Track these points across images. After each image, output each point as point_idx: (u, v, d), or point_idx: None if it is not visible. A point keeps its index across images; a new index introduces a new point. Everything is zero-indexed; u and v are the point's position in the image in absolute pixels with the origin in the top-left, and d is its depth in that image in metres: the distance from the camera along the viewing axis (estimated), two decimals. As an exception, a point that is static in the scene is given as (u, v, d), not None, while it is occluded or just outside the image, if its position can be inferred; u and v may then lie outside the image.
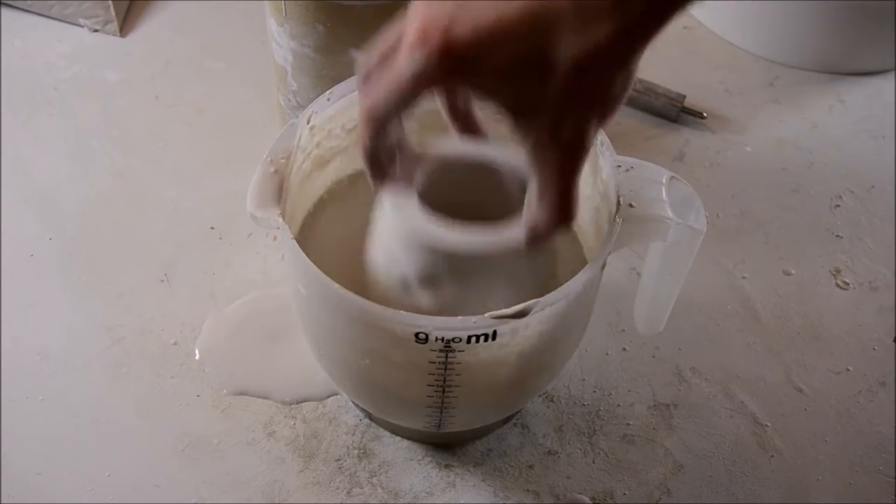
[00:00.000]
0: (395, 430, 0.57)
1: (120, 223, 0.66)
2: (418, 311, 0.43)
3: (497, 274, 0.45)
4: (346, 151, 0.53)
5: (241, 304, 0.62)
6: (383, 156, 0.42)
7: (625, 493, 0.55)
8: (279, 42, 0.59)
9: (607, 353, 0.61)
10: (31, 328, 0.60)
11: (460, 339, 0.43)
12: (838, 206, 0.70)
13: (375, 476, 0.55)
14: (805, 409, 0.59)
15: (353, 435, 0.57)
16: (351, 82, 0.49)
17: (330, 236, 0.52)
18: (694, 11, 0.82)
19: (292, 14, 0.56)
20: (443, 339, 0.43)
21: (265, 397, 0.58)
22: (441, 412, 0.49)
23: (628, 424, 0.58)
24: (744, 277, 0.65)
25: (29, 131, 0.71)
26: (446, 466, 0.56)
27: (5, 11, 0.78)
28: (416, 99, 0.37)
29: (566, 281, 0.43)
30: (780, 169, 0.72)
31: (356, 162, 0.49)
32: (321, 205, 0.54)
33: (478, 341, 0.43)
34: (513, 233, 0.43)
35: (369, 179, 0.43)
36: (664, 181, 0.47)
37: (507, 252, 0.43)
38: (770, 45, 0.79)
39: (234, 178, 0.67)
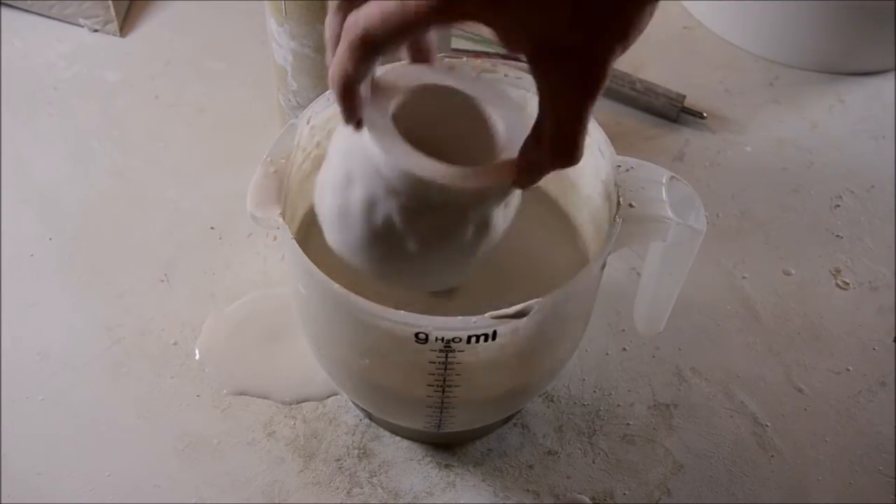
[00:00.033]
0: (395, 430, 0.57)
1: (120, 223, 0.66)
2: (416, 311, 0.43)
3: (464, 216, 0.41)
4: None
5: (241, 304, 0.62)
6: (363, 88, 0.37)
7: (625, 493, 0.55)
8: (279, 42, 0.59)
9: (607, 353, 0.61)
10: (31, 328, 0.60)
11: (460, 339, 0.43)
12: (838, 206, 0.70)
13: (375, 476, 0.55)
14: (805, 409, 0.59)
15: (353, 435, 0.57)
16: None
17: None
18: (694, 11, 0.82)
19: (292, 14, 0.56)
20: (443, 339, 0.43)
21: (265, 397, 0.58)
22: (441, 412, 0.49)
23: (628, 424, 0.58)
24: (744, 277, 0.65)
25: (29, 131, 0.71)
26: (446, 466, 0.56)
27: (5, 11, 0.78)
28: (427, 30, 0.34)
29: (566, 281, 0.43)
30: (780, 169, 0.72)
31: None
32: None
33: (478, 341, 0.43)
34: (492, 173, 0.41)
35: (342, 114, 0.39)
36: (664, 181, 0.47)
37: (488, 191, 0.40)
38: (770, 45, 0.79)
39: (234, 178, 0.67)
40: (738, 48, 0.80)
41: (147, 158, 0.70)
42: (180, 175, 0.69)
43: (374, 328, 0.44)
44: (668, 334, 0.59)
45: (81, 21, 0.77)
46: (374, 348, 0.46)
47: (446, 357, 0.44)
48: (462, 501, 0.54)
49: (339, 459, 0.56)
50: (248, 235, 0.65)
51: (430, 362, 0.45)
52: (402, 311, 0.42)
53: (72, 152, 0.70)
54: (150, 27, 0.79)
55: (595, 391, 0.59)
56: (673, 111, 0.73)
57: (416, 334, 0.43)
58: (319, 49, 0.57)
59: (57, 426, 0.56)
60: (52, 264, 0.63)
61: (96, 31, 0.77)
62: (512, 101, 0.44)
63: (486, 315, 0.42)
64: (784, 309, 0.63)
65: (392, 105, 0.41)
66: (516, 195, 0.43)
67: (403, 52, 0.43)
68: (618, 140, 0.48)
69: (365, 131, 0.39)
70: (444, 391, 0.47)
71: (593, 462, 0.56)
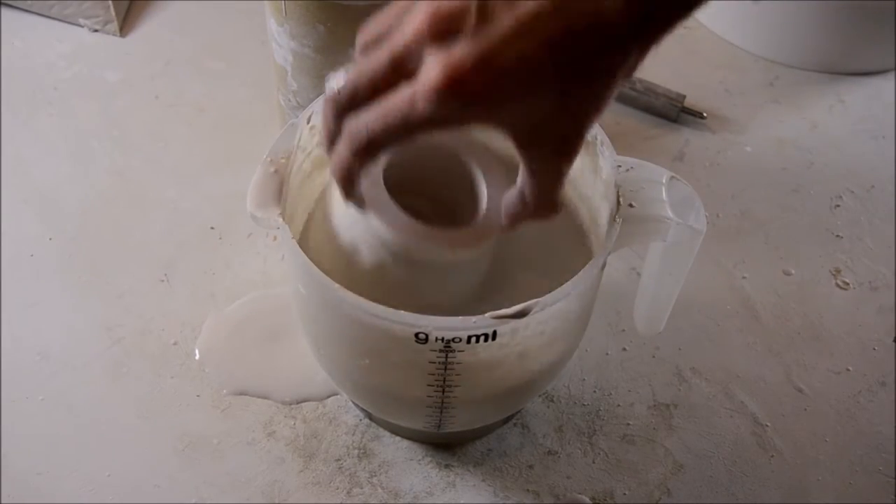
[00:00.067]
0: (395, 430, 0.57)
1: (120, 223, 0.66)
2: (418, 310, 0.43)
3: (443, 270, 0.47)
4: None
5: (241, 304, 0.62)
6: (361, 175, 0.41)
7: (625, 493, 0.55)
8: (279, 42, 0.59)
9: (607, 353, 0.61)
10: (31, 328, 0.60)
11: (460, 339, 0.43)
12: (838, 206, 0.70)
13: (375, 476, 0.55)
14: (805, 409, 0.59)
15: (353, 435, 0.57)
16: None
17: (330, 236, 0.52)
18: (694, 11, 0.82)
19: (292, 14, 0.56)
20: (443, 339, 0.43)
21: (265, 397, 0.58)
22: (441, 412, 0.49)
23: (628, 424, 0.58)
24: (744, 277, 0.65)
25: (29, 131, 0.71)
26: (446, 466, 0.56)
27: (5, 11, 0.78)
28: (425, 135, 0.36)
29: (566, 281, 0.43)
30: (780, 169, 0.72)
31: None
32: (321, 205, 0.54)
33: (478, 341, 0.43)
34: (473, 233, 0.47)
35: (343, 195, 0.42)
36: (664, 181, 0.47)
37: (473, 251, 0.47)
38: (770, 45, 0.79)
39: (234, 178, 0.67)
40: (738, 48, 0.80)
41: (147, 158, 0.70)
42: (180, 175, 0.69)
43: (374, 328, 0.44)
44: (668, 334, 0.59)
45: (81, 21, 0.77)
46: (374, 348, 0.46)
47: (446, 357, 0.44)
48: (462, 501, 0.54)
49: (339, 459, 0.56)
50: (248, 235, 0.65)
51: (430, 362, 0.45)
52: (402, 311, 0.42)
53: (72, 152, 0.70)
54: (150, 27, 0.79)
55: (595, 391, 0.59)
56: (673, 111, 0.73)
57: (416, 334, 0.43)
58: (319, 49, 0.57)
59: (57, 426, 0.56)
60: (52, 264, 0.63)
61: (96, 31, 0.77)
62: (490, 150, 0.49)
63: (486, 315, 0.42)
64: (784, 309, 0.63)
65: (381, 167, 0.46)
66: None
67: None
68: (618, 140, 0.48)
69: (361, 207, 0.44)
70: (444, 391, 0.47)
71: (593, 462, 0.56)
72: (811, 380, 0.60)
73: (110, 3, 0.75)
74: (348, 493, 0.54)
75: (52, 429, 0.56)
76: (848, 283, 0.65)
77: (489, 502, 0.54)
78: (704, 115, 0.74)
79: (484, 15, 0.34)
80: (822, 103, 0.76)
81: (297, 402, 0.58)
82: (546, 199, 0.40)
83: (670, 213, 0.46)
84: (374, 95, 0.37)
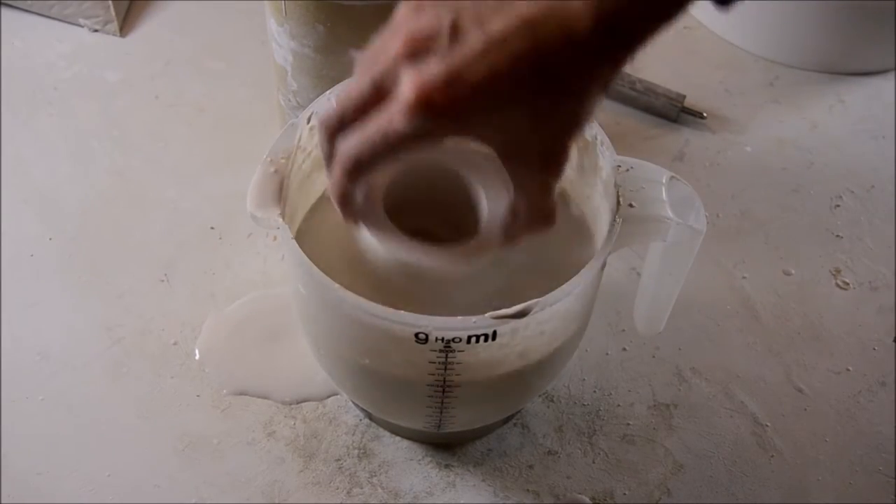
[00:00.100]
0: (395, 430, 0.57)
1: (120, 223, 0.66)
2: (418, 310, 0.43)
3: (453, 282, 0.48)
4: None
5: (241, 304, 0.62)
6: (358, 196, 0.43)
7: (625, 493, 0.55)
8: (279, 42, 0.59)
9: (607, 353, 0.61)
10: (31, 328, 0.60)
11: (460, 339, 0.43)
12: (838, 206, 0.70)
13: (375, 476, 0.55)
14: (805, 409, 0.59)
15: (353, 435, 0.57)
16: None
17: (330, 236, 0.52)
18: (694, 11, 0.82)
19: (292, 14, 0.56)
20: (443, 339, 0.43)
21: (265, 397, 0.58)
22: (441, 412, 0.49)
23: (628, 424, 0.58)
24: (744, 277, 0.65)
25: (29, 131, 0.71)
26: (446, 466, 0.56)
27: (5, 11, 0.78)
28: (409, 151, 0.37)
29: (566, 281, 0.43)
30: (780, 169, 0.72)
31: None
32: (321, 205, 0.54)
33: (478, 341, 0.43)
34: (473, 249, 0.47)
35: (343, 217, 0.44)
36: (664, 181, 0.47)
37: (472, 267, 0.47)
38: (770, 45, 0.79)
39: (234, 178, 0.67)
40: (738, 48, 0.80)
41: (147, 158, 0.70)
42: (180, 175, 0.69)
43: (374, 328, 0.44)
44: (668, 334, 0.59)
45: (81, 21, 0.77)
46: (374, 348, 0.46)
47: (446, 357, 0.44)
48: (462, 501, 0.54)
49: (339, 459, 0.56)
50: (248, 235, 0.65)
51: (430, 362, 0.45)
52: (402, 312, 0.42)
53: (72, 152, 0.70)
54: (150, 27, 0.78)
55: (595, 391, 0.59)
56: (673, 111, 0.73)
57: (416, 334, 0.43)
58: (319, 49, 0.57)
59: (57, 426, 0.56)
60: (52, 264, 0.63)
61: (96, 31, 0.77)
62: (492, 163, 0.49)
63: (486, 315, 0.42)
64: (784, 309, 0.63)
65: (382, 189, 0.47)
66: None
67: None
68: (618, 140, 0.48)
69: (362, 226, 0.46)
70: (444, 391, 0.47)
71: (593, 462, 0.56)
72: (811, 380, 0.60)
73: (110, 3, 0.75)
74: (348, 493, 0.54)
75: (52, 429, 0.56)
76: (848, 283, 0.65)
77: (489, 502, 0.54)
78: (704, 115, 0.74)
79: (456, 34, 0.35)
80: (822, 103, 0.76)
81: (297, 402, 0.58)
82: (537, 212, 0.41)
83: (670, 213, 0.46)
84: (360, 117, 0.38)
